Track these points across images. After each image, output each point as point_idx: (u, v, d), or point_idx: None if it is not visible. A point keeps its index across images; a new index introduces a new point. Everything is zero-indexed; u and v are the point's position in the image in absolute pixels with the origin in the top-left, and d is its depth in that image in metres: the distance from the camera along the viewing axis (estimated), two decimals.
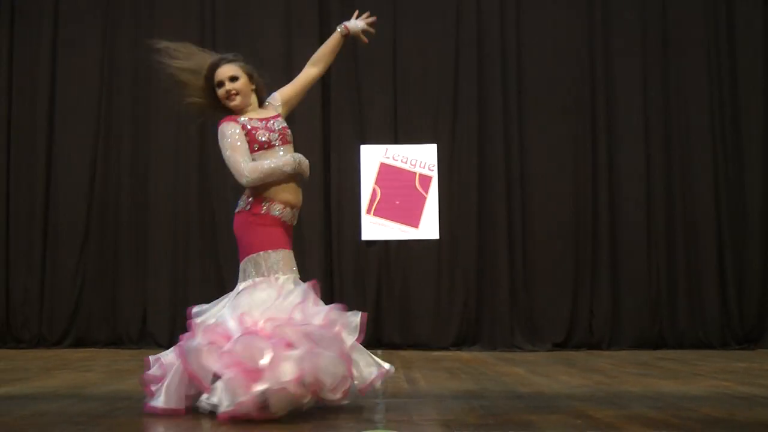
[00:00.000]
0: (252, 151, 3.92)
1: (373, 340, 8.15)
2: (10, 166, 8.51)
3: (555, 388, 4.95)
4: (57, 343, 8.22)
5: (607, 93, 8.47)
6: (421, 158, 8.38)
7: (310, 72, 4.36)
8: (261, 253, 3.94)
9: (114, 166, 8.53)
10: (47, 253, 8.41)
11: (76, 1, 8.69)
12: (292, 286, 3.95)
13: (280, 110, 4.16)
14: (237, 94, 4.02)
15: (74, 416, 3.85)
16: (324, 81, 8.46)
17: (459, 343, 8.15)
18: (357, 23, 4.38)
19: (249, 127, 3.96)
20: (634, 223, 8.34)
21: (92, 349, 8.11)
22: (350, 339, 3.95)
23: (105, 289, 8.36)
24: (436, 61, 8.54)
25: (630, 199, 8.37)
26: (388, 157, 8.38)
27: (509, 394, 4.67)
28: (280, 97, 4.23)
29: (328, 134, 8.42)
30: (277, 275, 3.94)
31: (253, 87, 4.11)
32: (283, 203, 3.99)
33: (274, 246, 3.95)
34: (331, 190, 8.35)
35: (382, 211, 8.35)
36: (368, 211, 8.34)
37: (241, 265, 4.02)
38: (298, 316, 3.77)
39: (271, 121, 4.03)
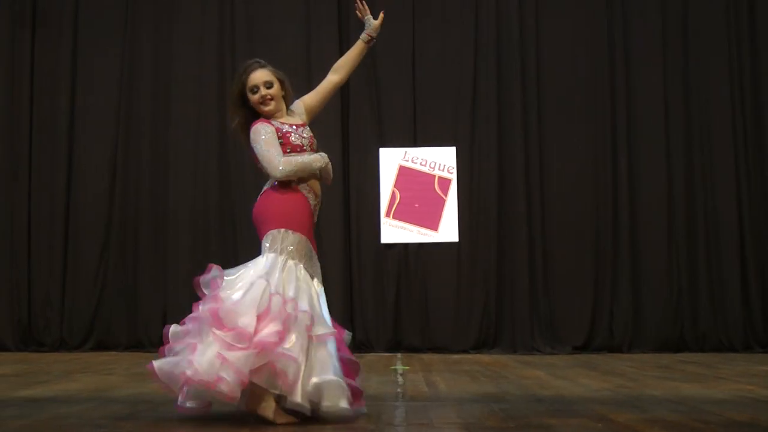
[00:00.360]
0: (284, 152, 3.92)
1: (393, 343, 8.16)
2: (31, 170, 8.58)
3: (575, 391, 4.92)
4: (78, 347, 8.27)
5: (627, 94, 8.43)
6: (440, 161, 8.37)
7: (332, 79, 4.29)
8: (281, 230, 3.89)
9: (134, 170, 8.58)
10: (68, 257, 8.46)
11: (96, 7, 8.75)
12: (292, 276, 3.83)
13: (304, 118, 4.16)
14: (272, 99, 4.02)
15: (96, 419, 3.86)
16: (344, 85, 8.46)
17: (479, 346, 8.13)
18: (374, 22, 4.32)
19: (284, 130, 3.97)
20: (654, 225, 8.28)
21: (113, 352, 8.15)
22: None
23: (125, 292, 8.40)
24: (455, 63, 8.52)
25: (650, 200, 8.32)
26: (407, 160, 8.38)
27: (529, 397, 4.65)
28: (303, 105, 4.20)
29: (348, 137, 8.43)
30: (286, 258, 3.86)
31: (284, 93, 4.10)
32: (309, 187, 3.99)
33: (294, 227, 3.90)
34: (350, 194, 8.36)
35: (401, 214, 8.34)
36: (387, 215, 8.34)
37: (262, 244, 3.97)
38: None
39: (300, 129, 4.05)
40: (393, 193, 8.35)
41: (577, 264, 8.26)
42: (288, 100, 4.13)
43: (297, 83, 8.13)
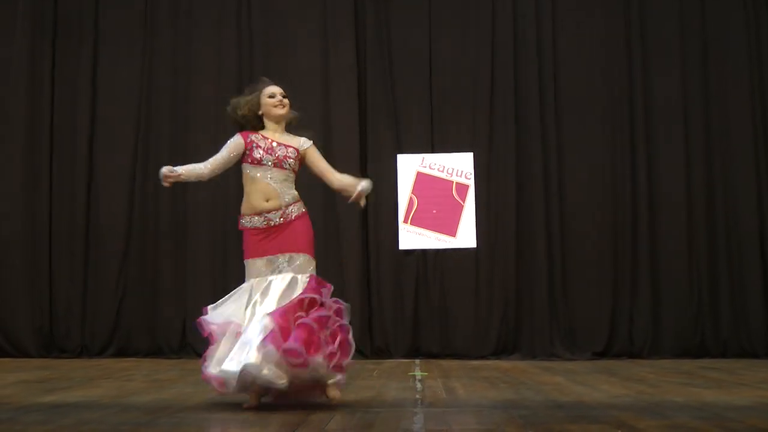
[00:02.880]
0: (244, 161, 4.82)
1: (411, 349, 8.15)
2: (52, 178, 8.63)
3: (595, 397, 4.90)
4: (99, 353, 8.31)
5: (646, 99, 8.38)
6: (457, 167, 8.36)
7: (331, 176, 4.84)
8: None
9: (154, 177, 8.52)
10: (89, 264, 8.51)
11: (116, 18, 8.82)
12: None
13: (301, 150, 4.80)
14: (285, 106, 4.80)
15: (117, 425, 3.88)
16: (360, 91, 8.50)
17: (498, 352, 8.10)
18: (365, 187, 4.82)
19: (254, 145, 4.77)
20: (674, 230, 8.23)
21: (133, 359, 8.18)
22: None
23: (145, 300, 8.43)
24: (472, 69, 8.52)
25: (670, 205, 8.26)
26: (424, 166, 8.37)
27: (549, 403, 4.63)
28: (309, 148, 4.84)
29: (365, 144, 8.43)
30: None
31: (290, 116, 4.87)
32: (249, 216, 4.84)
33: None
34: (368, 200, 8.32)
35: (419, 220, 8.33)
36: (405, 221, 8.33)
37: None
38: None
39: (280, 147, 4.75)
40: (411, 200, 8.34)
41: (597, 269, 8.22)
42: (290, 125, 4.89)
43: (313, 88, 8.19)
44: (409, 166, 8.38)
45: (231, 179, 8.42)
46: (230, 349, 4.44)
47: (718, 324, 8.10)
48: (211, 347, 4.64)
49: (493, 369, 7.00)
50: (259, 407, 4.46)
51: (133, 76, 8.73)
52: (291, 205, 4.70)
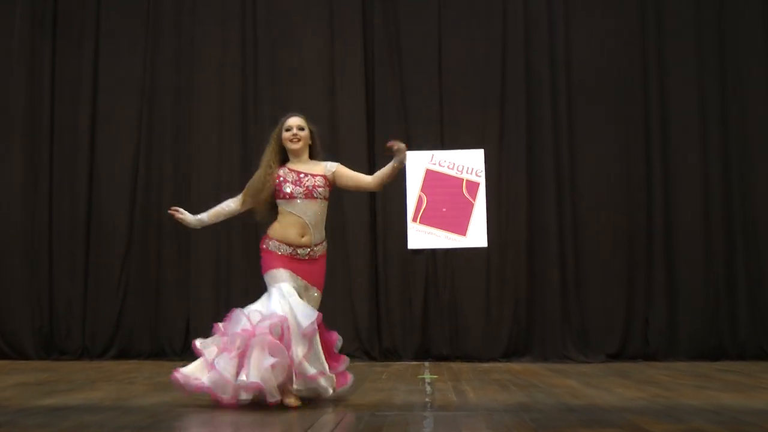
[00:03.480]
0: (277, 197, 5.03)
1: (420, 351, 8.15)
2: (52, 176, 8.66)
3: (609, 400, 4.89)
4: (100, 355, 8.33)
5: (661, 95, 8.36)
6: (467, 164, 8.33)
7: (367, 179, 5.24)
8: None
9: (156, 175, 8.64)
10: (90, 264, 8.53)
11: (117, 13, 8.83)
12: None
13: (328, 175, 5.06)
14: (300, 139, 5.03)
15: (118, 428, 3.90)
16: (368, 86, 8.50)
17: (509, 355, 8.10)
18: (398, 157, 5.25)
19: (282, 179, 5.00)
20: (690, 229, 8.21)
21: (135, 361, 8.20)
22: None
23: (148, 300, 8.46)
24: (483, 64, 8.51)
25: (686, 203, 8.24)
26: (434, 164, 8.33)
27: (561, 407, 4.63)
28: (337, 169, 5.10)
29: (373, 141, 8.43)
30: None
31: (310, 143, 5.11)
32: (279, 241, 5.09)
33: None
34: (376, 198, 8.35)
35: (428, 218, 8.31)
36: (414, 219, 8.30)
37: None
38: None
39: (307, 177, 5.00)
40: (420, 198, 8.31)
41: (611, 269, 8.20)
42: (314, 151, 5.13)
43: (320, 90, 8.20)
44: (418, 164, 8.35)
45: (234, 176, 8.47)
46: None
47: (736, 325, 8.07)
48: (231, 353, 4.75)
49: (504, 371, 7.00)
50: (264, 409, 4.49)
51: (135, 72, 8.75)
52: (319, 244, 5.02)
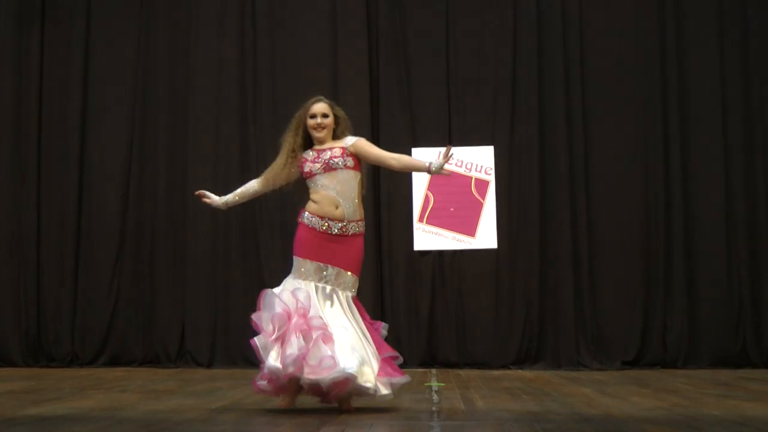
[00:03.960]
0: (305, 179, 5.12)
1: (427, 357, 8.14)
2: (40, 173, 8.67)
3: (626, 410, 4.87)
4: (91, 362, 8.35)
5: (681, 89, 8.33)
6: (477, 161, 8.34)
7: (389, 160, 5.15)
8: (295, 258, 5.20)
9: (150, 173, 8.63)
10: (80, 266, 8.54)
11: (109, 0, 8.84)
12: None
13: (348, 147, 5.09)
14: (324, 128, 5.14)
15: None
16: (371, 78, 8.49)
17: (520, 361, 8.09)
18: (440, 162, 5.02)
19: (303, 159, 5.12)
20: (711, 229, 8.18)
21: (128, 367, 8.21)
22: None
23: (141, 304, 8.46)
24: (493, 54, 8.49)
25: (707, 202, 8.21)
26: (437, 160, 8.32)
27: (575, 417, 4.61)
28: (356, 142, 5.13)
29: (377, 136, 8.41)
30: None
31: (335, 126, 5.20)
32: (313, 214, 5.10)
33: (301, 255, 5.20)
34: (380, 197, 8.34)
35: (435, 219, 8.32)
36: (421, 219, 8.32)
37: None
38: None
39: (326, 152, 5.07)
40: (426, 197, 8.33)
41: (627, 272, 8.18)
42: (339, 130, 5.20)
43: (321, 80, 8.17)
44: (424, 161, 8.34)
45: (232, 174, 8.46)
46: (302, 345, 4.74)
47: (760, 330, 8.05)
48: (271, 338, 4.95)
49: (514, 379, 6.99)
50: (269, 418, 4.52)
51: (128, 62, 8.76)
52: (353, 222, 5.03)
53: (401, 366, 5.12)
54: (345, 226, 4.98)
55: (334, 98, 8.38)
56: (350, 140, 5.13)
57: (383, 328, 5.16)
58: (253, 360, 8.13)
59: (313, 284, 4.97)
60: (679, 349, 8.03)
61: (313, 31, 8.61)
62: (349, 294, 4.98)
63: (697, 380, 6.82)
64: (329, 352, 4.62)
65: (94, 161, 8.67)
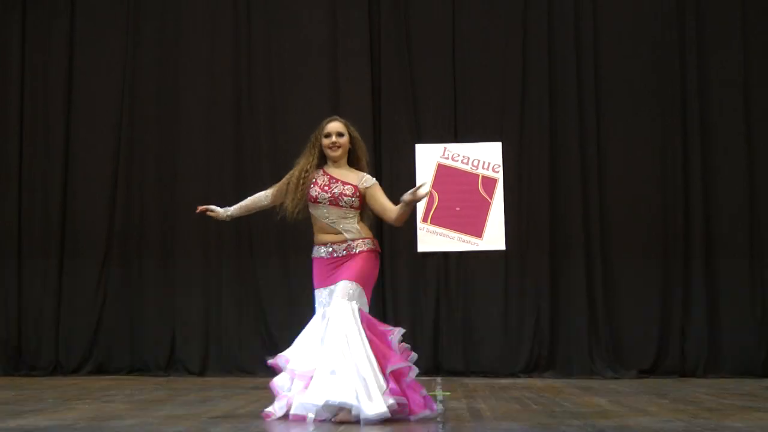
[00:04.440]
0: (309, 200, 5.16)
1: (431, 366, 8.11)
2: (22, 173, 8.65)
3: (642, 422, 4.85)
4: (75, 371, 8.33)
5: (701, 83, 8.30)
6: (484, 158, 8.32)
7: (390, 214, 5.16)
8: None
9: (138, 171, 8.61)
10: (64, 269, 8.52)
11: None
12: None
13: (361, 187, 5.16)
14: (339, 147, 5.19)
15: None
16: (374, 71, 8.47)
17: (530, 369, 8.07)
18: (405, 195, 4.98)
19: (315, 182, 5.16)
20: (733, 231, 8.16)
21: (114, 376, 8.18)
22: None
23: (129, 310, 8.44)
24: (501, 46, 8.48)
25: (728, 201, 8.20)
26: (446, 157, 8.33)
27: (588, 428, 4.59)
28: (371, 187, 5.20)
29: (379, 131, 8.41)
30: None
31: (350, 147, 5.26)
32: (316, 243, 5.24)
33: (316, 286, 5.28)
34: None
35: (440, 219, 8.30)
36: (425, 219, 8.30)
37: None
38: None
39: (337, 184, 5.13)
40: (431, 195, 8.30)
41: (644, 275, 8.17)
42: (354, 155, 5.28)
43: (320, 74, 8.14)
44: (428, 157, 8.34)
45: (225, 173, 8.45)
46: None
47: None
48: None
49: (524, 388, 6.96)
50: (269, 424, 4.60)
51: (115, 56, 8.74)
52: (358, 240, 5.11)
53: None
54: (349, 245, 5.08)
55: (332, 91, 8.46)
56: (366, 181, 5.20)
57: (397, 333, 5.02)
58: (246, 368, 8.16)
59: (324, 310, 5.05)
60: (699, 356, 8.01)
61: (312, 20, 8.60)
62: (353, 306, 4.91)
63: (719, 390, 6.79)
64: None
65: (79, 158, 8.65)
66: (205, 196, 8.39)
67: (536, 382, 7.66)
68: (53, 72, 8.73)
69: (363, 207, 5.19)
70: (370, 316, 4.98)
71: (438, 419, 4.99)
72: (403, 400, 4.71)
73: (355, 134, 5.31)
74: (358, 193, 5.13)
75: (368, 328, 4.86)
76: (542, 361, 8.11)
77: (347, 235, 5.09)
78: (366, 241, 5.12)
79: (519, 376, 8.00)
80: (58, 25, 8.76)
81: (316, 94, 8.39)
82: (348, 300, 4.87)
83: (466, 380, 7.76)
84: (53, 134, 8.66)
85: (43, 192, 8.62)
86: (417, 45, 8.49)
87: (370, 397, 4.58)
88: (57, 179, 8.60)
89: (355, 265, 5.02)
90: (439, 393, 6.46)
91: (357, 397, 4.57)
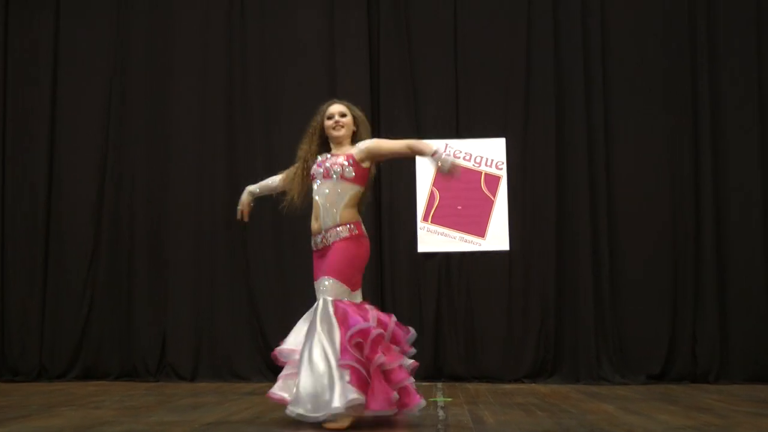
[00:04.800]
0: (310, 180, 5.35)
1: (432, 370, 8.11)
2: (5, 170, 8.65)
3: (651, 429, 4.85)
4: (61, 376, 8.32)
5: (712, 79, 8.28)
6: (487, 155, 8.32)
7: (404, 149, 5.29)
8: None
9: (128, 168, 8.60)
10: (49, 269, 8.50)
11: None
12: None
13: (356, 153, 5.23)
14: (343, 126, 5.32)
15: None
16: (372, 64, 8.46)
17: (534, 375, 8.06)
18: (450, 159, 5.15)
19: (316, 162, 5.33)
20: (746, 230, 8.14)
21: (102, 382, 8.18)
22: None
23: (117, 313, 8.42)
24: (505, 38, 8.46)
25: (741, 200, 8.18)
26: (448, 154, 8.30)
27: None
28: (367, 147, 5.26)
29: (378, 127, 8.36)
30: None
31: (354, 129, 5.40)
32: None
33: None
34: (381, 194, 8.31)
35: (441, 218, 8.30)
36: (425, 219, 8.30)
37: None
38: None
39: (331, 158, 5.27)
40: (432, 194, 8.30)
41: (653, 276, 8.16)
42: (359, 135, 5.39)
43: (316, 67, 8.13)
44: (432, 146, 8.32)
45: (218, 173, 8.44)
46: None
47: None
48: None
49: (528, 394, 6.97)
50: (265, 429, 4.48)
51: (102, 46, 8.72)
52: (332, 228, 5.18)
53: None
54: (324, 237, 5.19)
55: (329, 84, 8.44)
56: (362, 144, 5.28)
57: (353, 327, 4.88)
58: (240, 374, 8.15)
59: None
60: (710, 361, 8.00)
61: (308, 11, 8.58)
62: (325, 299, 4.97)
63: (731, 396, 6.79)
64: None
65: (65, 155, 8.64)
66: (198, 193, 8.46)
67: (541, 387, 7.66)
68: (37, 64, 8.70)
69: (365, 181, 5.26)
70: (347, 307, 4.93)
71: (439, 426, 4.99)
72: (360, 399, 4.66)
73: (358, 113, 5.44)
74: (352, 161, 5.21)
75: (341, 323, 4.85)
76: (547, 365, 8.10)
77: (324, 222, 5.18)
78: (344, 228, 5.15)
79: (523, 382, 8.00)
80: (42, 15, 8.74)
81: (311, 87, 8.36)
82: (321, 296, 4.98)
83: (468, 386, 7.76)
84: (38, 130, 8.63)
85: (27, 191, 8.60)
86: (418, 36, 8.48)
87: (317, 407, 4.67)
88: (41, 179, 8.57)
89: (330, 259, 5.08)
90: (440, 399, 6.47)
91: (311, 406, 4.68)
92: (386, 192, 8.33)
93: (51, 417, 5.49)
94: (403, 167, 8.27)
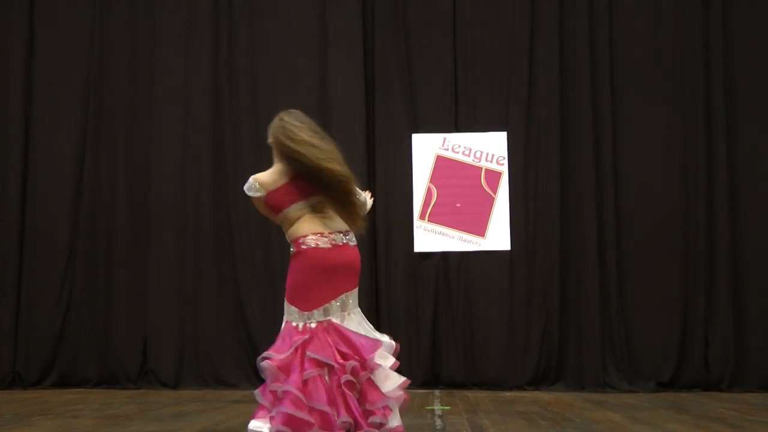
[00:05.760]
0: None
1: (430, 377, 8.13)
2: None
3: None
4: (36, 383, 8.30)
5: (726, 72, 8.29)
6: (487, 149, 8.34)
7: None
8: None
9: (106, 166, 8.59)
10: (23, 272, 8.49)
11: None
12: None
13: None
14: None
15: None
16: (367, 55, 8.46)
17: (537, 382, 8.07)
18: None
19: None
20: (760, 231, 8.16)
21: (80, 389, 8.17)
22: None
23: (96, 316, 8.41)
24: (506, 27, 8.46)
25: (755, 199, 8.19)
26: (445, 149, 8.35)
27: None
28: None
29: (373, 121, 8.40)
30: None
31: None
32: None
33: None
34: (376, 191, 8.29)
35: (439, 216, 8.31)
36: (422, 217, 8.31)
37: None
38: None
39: None
40: (429, 190, 8.32)
41: (662, 279, 8.17)
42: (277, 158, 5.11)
43: (310, 59, 8.14)
44: (427, 149, 8.36)
45: (203, 172, 8.45)
46: None
47: None
48: None
49: (530, 402, 6.98)
50: None
51: (80, 38, 8.71)
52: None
53: None
54: None
55: (322, 77, 8.45)
56: None
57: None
58: (226, 380, 8.16)
59: None
60: (723, 368, 8.02)
61: (299, 5, 8.55)
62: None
63: (745, 405, 6.81)
64: None
65: (40, 153, 8.61)
66: (181, 193, 8.46)
67: (544, 395, 7.67)
68: (10, 56, 8.68)
69: (275, 209, 4.95)
70: (281, 333, 4.81)
71: None
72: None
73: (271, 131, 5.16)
74: None
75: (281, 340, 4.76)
76: (551, 372, 8.11)
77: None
78: (291, 247, 4.89)
79: (525, 389, 8.00)
80: (16, 5, 8.71)
81: (303, 80, 8.37)
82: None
83: (468, 393, 7.78)
84: (12, 128, 8.61)
85: (0, 188, 8.59)
86: (414, 25, 8.48)
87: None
88: (15, 174, 8.56)
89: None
90: (438, 407, 6.48)
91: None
92: (381, 189, 8.32)
93: (25, 427, 5.50)
94: (398, 161, 8.29)
